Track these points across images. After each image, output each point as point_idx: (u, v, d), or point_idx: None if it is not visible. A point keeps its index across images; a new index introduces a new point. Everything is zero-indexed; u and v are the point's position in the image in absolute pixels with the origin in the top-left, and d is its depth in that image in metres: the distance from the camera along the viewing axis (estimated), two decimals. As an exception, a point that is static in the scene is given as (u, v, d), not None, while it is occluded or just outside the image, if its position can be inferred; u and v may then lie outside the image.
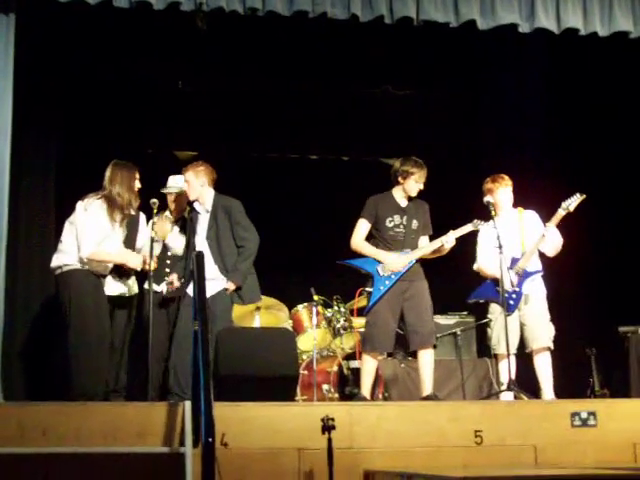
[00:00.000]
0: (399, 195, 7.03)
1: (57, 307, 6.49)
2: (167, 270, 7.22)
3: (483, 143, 9.91)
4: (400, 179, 6.99)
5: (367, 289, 6.90)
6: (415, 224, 6.98)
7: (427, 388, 6.77)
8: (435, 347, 6.93)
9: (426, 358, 6.83)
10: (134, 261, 6.62)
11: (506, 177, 7.30)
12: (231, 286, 6.81)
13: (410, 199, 7.04)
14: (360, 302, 7.75)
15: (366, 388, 6.83)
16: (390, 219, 6.95)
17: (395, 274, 6.81)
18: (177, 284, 7.02)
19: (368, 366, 6.86)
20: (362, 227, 7.00)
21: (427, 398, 6.67)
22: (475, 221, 7.03)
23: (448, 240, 6.91)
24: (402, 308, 6.82)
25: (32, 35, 7.09)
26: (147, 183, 6.86)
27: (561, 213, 7.05)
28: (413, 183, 6.97)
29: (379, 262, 6.84)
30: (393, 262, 6.82)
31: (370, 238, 7.00)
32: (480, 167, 9.15)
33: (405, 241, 6.93)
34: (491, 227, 7.08)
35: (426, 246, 6.98)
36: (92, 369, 6.18)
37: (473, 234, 7.34)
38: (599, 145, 9.23)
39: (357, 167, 9.87)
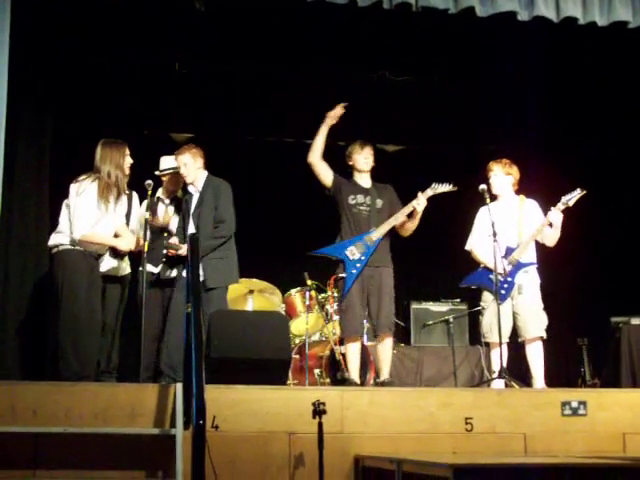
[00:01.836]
0: (359, 178, 7.15)
1: (51, 286, 6.49)
2: (163, 252, 7.21)
3: (482, 131, 9.89)
4: (349, 162, 7.17)
5: (340, 275, 6.95)
6: (379, 203, 7.05)
7: (384, 373, 6.88)
8: (391, 335, 6.99)
9: (383, 344, 6.94)
10: (126, 244, 6.63)
11: (506, 161, 7.28)
12: (181, 248, 6.79)
13: (373, 183, 7.14)
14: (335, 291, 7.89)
15: (354, 372, 6.89)
16: (352, 197, 7.03)
17: (364, 254, 6.85)
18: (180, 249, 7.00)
19: (352, 351, 6.96)
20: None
21: (382, 383, 6.78)
22: (433, 185, 7.04)
23: (419, 203, 6.93)
24: (368, 293, 6.89)
25: (28, 15, 7.03)
26: (143, 164, 6.86)
27: (560, 207, 7.02)
28: (358, 157, 7.11)
29: (347, 246, 6.89)
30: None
31: (338, 218, 7.08)
32: (478, 155, 9.14)
33: (371, 218, 6.98)
34: (485, 212, 7.08)
35: (395, 216, 6.99)
36: (83, 349, 6.18)
37: (470, 217, 7.34)
38: (596, 138, 9.25)
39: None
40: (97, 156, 6.57)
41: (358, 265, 6.85)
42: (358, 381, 6.90)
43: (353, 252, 6.88)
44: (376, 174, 7.23)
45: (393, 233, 7.15)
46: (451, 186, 7.06)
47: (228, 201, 7.00)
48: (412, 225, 7.08)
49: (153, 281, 7.05)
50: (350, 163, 7.17)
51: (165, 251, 7.02)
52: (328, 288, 8.22)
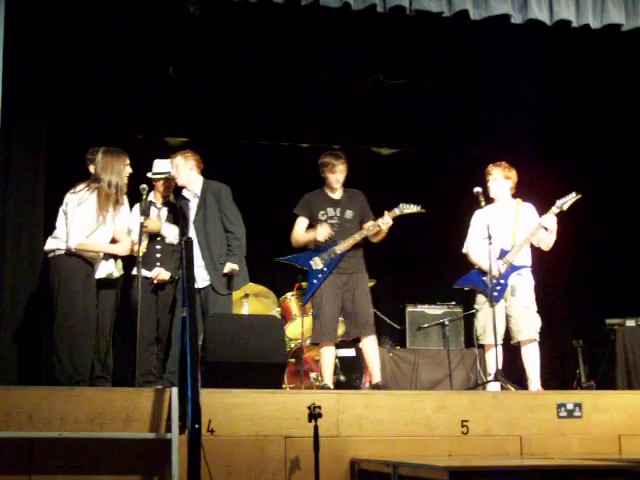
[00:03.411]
0: (328, 189, 7.19)
1: (46, 290, 6.48)
2: (157, 255, 7.21)
3: (477, 134, 9.90)
4: (321, 174, 7.20)
5: (303, 283, 7.26)
6: (350, 214, 7.11)
7: (376, 376, 6.92)
8: (374, 334, 7.05)
9: (368, 345, 6.99)
10: (122, 249, 6.64)
11: (505, 164, 7.28)
12: (235, 267, 6.85)
13: (344, 191, 7.19)
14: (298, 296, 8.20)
15: (328, 378, 6.96)
16: (323, 212, 7.11)
17: (327, 266, 6.95)
18: (165, 277, 7.07)
19: (326, 357, 7.03)
20: (299, 223, 7.17)
21: (377, 386, 6.82)
22: (401, 205, 7.08)
23: (384, 222, 6.98)
24: (342, 299, 6.96)
25: (22, 18, 7.04)
26: (137, 168, 6.85)
27: (554, 211, 7.03)
28: (329, 175, 7.14)
29: (312, 256, 7.01)
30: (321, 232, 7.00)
31: (310, 228, 7.15)
32: (474, 157, 9.15)
33: (338, 232, 7.05)
34: (481, 215, 7.09)
35: (360, 232, 7.03)
36: (78, 354, 6.17)
37: (465, 220, 7.35)
38: (592, 141, 9.26)
39: (348, 155, 9.83)
40: (98, 164, 6.54)
41: (320, 276, 6.98)
42: (331, 386, 6.95)
43: (317, 263, 7.00)
44: (371, 177, 7.23)
45: (367, 243, 7.21)
46: (419, 207, 7.10)
47: (233, 205, 7.08)
48: (379, 238, 7.14)
49: (147, 285, 7.05)
50: (322, 175, 7.21)
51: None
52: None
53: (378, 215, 7.09)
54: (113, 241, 6.63)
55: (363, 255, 7.14)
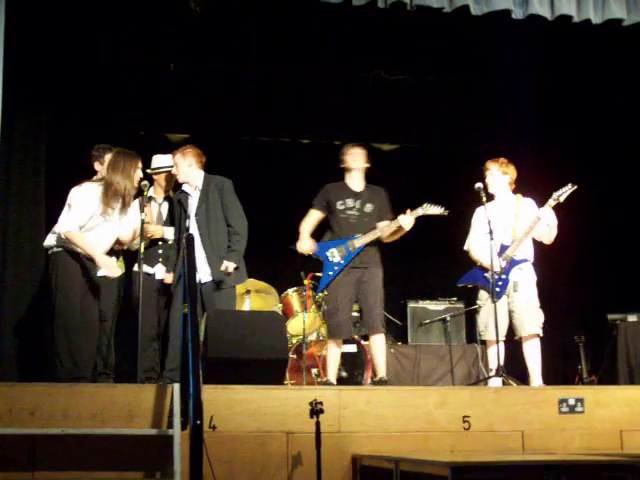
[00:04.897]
0: (351, 181, 7.14)
1: (46, 286, 6.48)
2: (159, 252, 7.20)
3: (478, 129, 9.90)
4: (342, 164, 7.16)
5: (316, 274, 7.14)
6: (369, 207, 7.05)
7: (380, 371, 6.88)
8: (383, 332, 7.03)
9: (377, 342, 6.93)
10: (112, 268, 6.49)
11: (503, 160, 7.28)
12: (230, 266, 6.82)
13: (366, 185, 7.14)
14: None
15: (332, 374, 6.95)
16: (341, 202, 7.04)
17: (344, 259, 6.90)
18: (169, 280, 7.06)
19: (333, 353, 7.00)
20: (311, 214, 7.15)
21: (379, 382, 6.78)
22: (425, 205, 7.03)
23: (406, 222, 6.92)
24: (356, 295, 6.93)
25: (24, 13, 7.03)
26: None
27: (551, 203, 7.03)
28: (346, 157, 7.12)
29: (329, 247, 6.96)
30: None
31: (326, 225, 7.11)
32: (475, 153, 9.14)
33: (357, 225, 7.00)
34: (482, 212, 7.10)
35: (381, 228, 7.01)
36: (77, 350, 6.16)
37: (467, 216, 7.35)
38: (592, 135, 9.26)
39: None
40: (109, 163, 6.51)
41: (336, 268, 6.93)
42: (334, 382, 6.93)
43: (334, 254, 6.95)
44: (372, 173, 7.23)
45: None
46: (442, 209, 7.04)
47: (235, 198, 7.05)
48: (394, 238, 7.11)
49: (149, 282, 7.04)
50: (342, 166, 7.17)
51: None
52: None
53: (399, 214, 7.05)
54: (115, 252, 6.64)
55: (379, 249, 7.08)
